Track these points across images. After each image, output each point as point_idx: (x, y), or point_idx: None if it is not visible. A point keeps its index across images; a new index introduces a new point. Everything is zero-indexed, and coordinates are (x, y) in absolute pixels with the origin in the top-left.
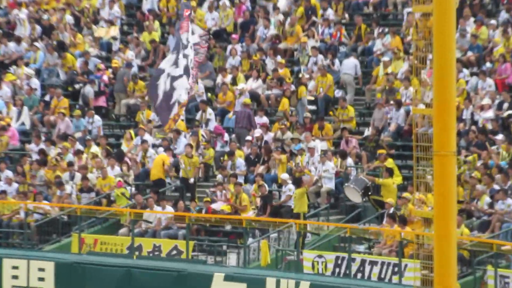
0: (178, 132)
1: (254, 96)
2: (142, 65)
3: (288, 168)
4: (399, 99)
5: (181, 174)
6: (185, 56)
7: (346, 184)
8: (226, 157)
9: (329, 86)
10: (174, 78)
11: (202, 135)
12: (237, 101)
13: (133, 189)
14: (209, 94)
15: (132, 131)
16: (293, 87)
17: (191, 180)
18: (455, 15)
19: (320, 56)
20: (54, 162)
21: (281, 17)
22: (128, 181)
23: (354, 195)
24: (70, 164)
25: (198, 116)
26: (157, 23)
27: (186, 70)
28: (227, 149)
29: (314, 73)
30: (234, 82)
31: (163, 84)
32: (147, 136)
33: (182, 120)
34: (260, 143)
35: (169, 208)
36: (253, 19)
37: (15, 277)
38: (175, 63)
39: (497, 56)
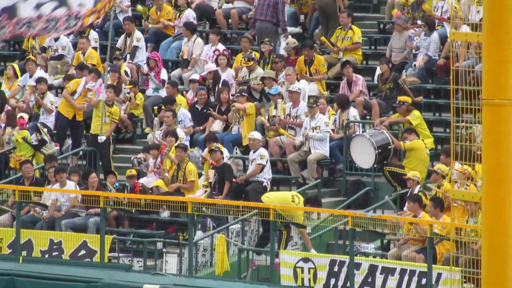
0: (87, 68)
1: (205, 10)
2: None
3: (258, 124)
4: (431, 16)
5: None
6: None
7: (357, 133)
8: (163, 106)
9: None
10: None
11: (126, 72)
12: (180, 21)
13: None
14: (138, 7)
15: (16, 65)
16: None
17: (102, 138)
18: None
19: None
20: None
21: None
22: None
23: (364, 154)
24: None
25: (119, 43)
26: None
27: None
28: (163, 93)
29: None
30: None
31: None
32: (41, 73)
33: (95, 48)
34: (214, 84)
35: (71, 185)
36: None
37: None
38: None
39: None
